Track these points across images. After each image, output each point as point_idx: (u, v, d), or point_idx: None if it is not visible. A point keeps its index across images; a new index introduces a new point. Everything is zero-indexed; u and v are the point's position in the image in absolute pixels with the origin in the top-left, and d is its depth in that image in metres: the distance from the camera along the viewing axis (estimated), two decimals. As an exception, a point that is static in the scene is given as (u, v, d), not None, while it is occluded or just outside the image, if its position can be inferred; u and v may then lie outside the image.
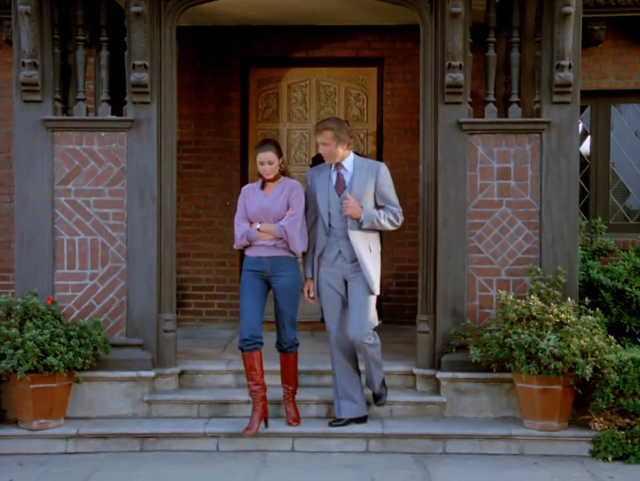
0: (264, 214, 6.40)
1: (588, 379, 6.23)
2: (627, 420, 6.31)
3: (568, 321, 6.39)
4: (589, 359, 6.22)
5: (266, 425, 6.38)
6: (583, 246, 8.12)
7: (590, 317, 6.50)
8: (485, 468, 6.07)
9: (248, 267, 6.42)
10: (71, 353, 6.42)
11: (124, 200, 6.90)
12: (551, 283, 6.68)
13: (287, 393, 6.56)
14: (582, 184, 9.22)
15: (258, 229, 6.37)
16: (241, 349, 6.30)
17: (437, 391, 6.88)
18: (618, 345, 6.50)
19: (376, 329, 6.44)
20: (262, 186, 6.50)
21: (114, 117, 6.96)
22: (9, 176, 8.43)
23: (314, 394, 6.83)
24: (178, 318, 7.44)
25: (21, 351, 6.27)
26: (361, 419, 6.53)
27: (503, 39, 7.41)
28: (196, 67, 9.55)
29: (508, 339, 6.38)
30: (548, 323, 6.39)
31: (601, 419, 6.34)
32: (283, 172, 6.52)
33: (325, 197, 6.39)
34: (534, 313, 6.44)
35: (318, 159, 9.43)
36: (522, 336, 6.29)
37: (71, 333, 6.54)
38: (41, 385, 6.40)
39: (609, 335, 6.58)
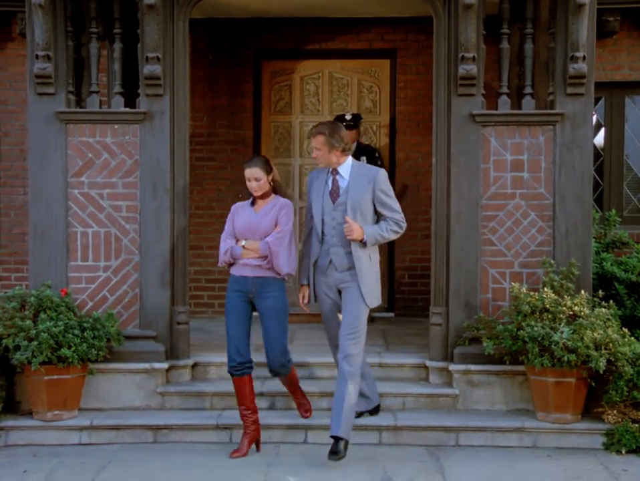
0: (251, 231, 6.14)
1: (601, 372, 6.21)
2: (641, 413, 6.30)
3: (582, 313, 6.37)
4: (603, 351, 6.20)
5: (258, 448, 6.20)
6: (597, 239, 8.09)
7: (603, 310, 6.48)
8: (498, 461, 6.06)
9: (232, 287, 6.17)
10: (84, 344, 6.44)
11: (137, 192, 6.91)
12: (564, 276, 6.66)
13: (297, 403, 6.56)
14: (596, 176, 9.18)
15: (243, 246, 6.13)
16: (230, 374, 6.11)
17: (449, 384, 6.88)
18: (632, 338, 6.47)
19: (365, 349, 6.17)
20: (253, 203, 6.27)
21: (127, 109, 6.97)
22: (23, 168, 8.46)
23: (327, 386, 6.82)
24: (191, 310, 7.46)
25: (35, 343, 6.30)
26: (375, 410, 6.53)
27: (517, 31, 7.37)
28: (208, 59, 9.56)
29: (521, 331, 6.37)
30: (561, 315, 6.37)
31: (615, 411, 6.32)
32: (275, 190, 6.26)
33: (320, 203, 6.15)
34: (547, 306, 6.43)
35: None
36: (535, 328, 6.28)
37: (85, 324, 6.56)
38: (55, 377, 6.43)
39: (623, 328, 6.56)
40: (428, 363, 6.99)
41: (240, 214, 6.24)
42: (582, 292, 6.60)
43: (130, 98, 7.01)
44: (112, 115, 6.97)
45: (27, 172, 7.23)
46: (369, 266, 6.04)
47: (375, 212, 6.09)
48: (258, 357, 7.01)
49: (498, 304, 6.86)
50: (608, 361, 6.22)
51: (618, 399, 6.26)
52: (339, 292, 6.14)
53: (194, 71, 8.97)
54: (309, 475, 5.72)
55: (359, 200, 6.02)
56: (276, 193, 6.26)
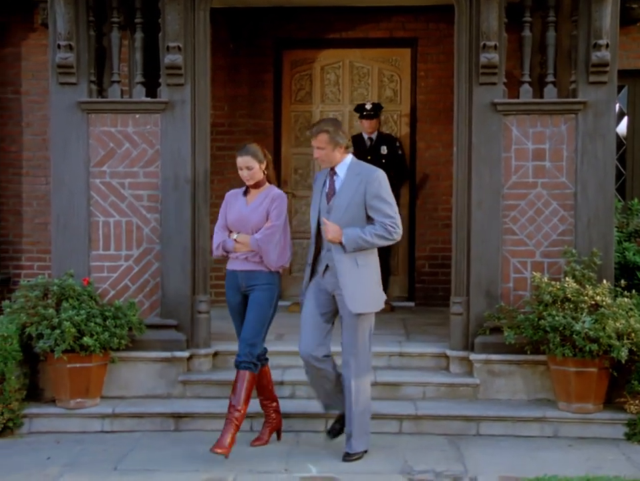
0: (243, 223, 5.95)
1: (623, 362, 6.19)
2: (663, 403, 6.27)
3: (604, 303, 6.34)
4: (625, 341, 6.18)
5: (278, 437, 6.20)
6: (619, 228, 8.03)
7: (626, 299, 6.45)
8: (519, 450, 6.05)
9: (227, 282, 6.05)
10: (106, 333, 6.49)
11: (158, 182, 6.94)
12: (586, 265, 6.63)
13: (265, 411, 6.21)
14: (619, 165, 9.11)
15: (235, 240, 5.95)
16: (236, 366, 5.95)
17: (470, 373, 6.87)
18: (655, 328, 6.44)
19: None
20: (245, 193, 6.08)
21: (148, 99, 6.99)
22: (45, 158, 8.51)
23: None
24: (212, 299, 7.48)
25: (57, 331, 6.35)
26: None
27: (539, 19, 7.31)
28: (229, 48, 9.55)
29: (543, 321, 6.35)
30: (583, 305, 6.35)
31: (637, 401, 6.29)
32: (269, 179, 6.06)
33: (317, 204, 5.84)
34: (568, 295, 6.40)
35: (352, 142, 9.43)
36: (557, 318, 6.26)
37: (107, 313, 6.60)
38: (78, 365, 6.48)
39: (645, 318, 6.53)
40: (449, 352, 6.98)
41: (232, 205, 6.05)
42: (604, 281, 6.56)
43: (151, 88, 7.03)
44: (133, 105, 6.99)
45: (50, 161, 7.27)
46: (355, 270, 5.63)
47: (367, 215, 5.69)
48: (277, 345, 7.05)
49: (519, 293, 6.84)
50: (630, 350, 6.20)
51: (640, 389, 6.24)
52: (334, 299, 5.80)
53: (215, 60, 8.98)
54: (330, 464, 5.74)
55: (347, 202, 5.67)
56: (270, 183, 6.08)
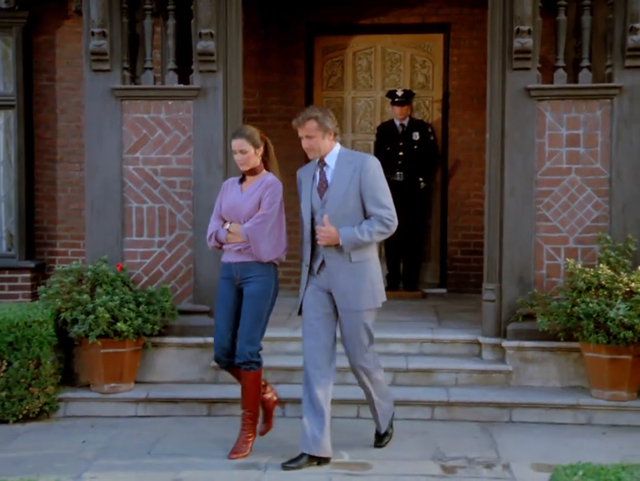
0: (236, 212, 5.63)
1: (658, 349, 6.14)
2: (699, 391, 6.21)
3: (639, 289, 6.28)
4: (660, 328, 6.12)
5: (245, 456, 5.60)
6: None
7: (661, 286, 6.39)
8: (552, 437, 6.02)
9: (221, 274, 5.75)
10: (140, 319, 6.53)
11: (191, 168, 6.96)
12: (621, 251, 6.56)
13: (243, 418, 5.73)
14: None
15: (227, 230, 5.65)
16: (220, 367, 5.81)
17: (502, 360, 6.84)
18: (690, 315, 6.37)
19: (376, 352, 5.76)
20: (241, 180, 5.76)
21: (181, 85, 7.02)
22: (79, 144, 8.56)
23: (380, 361, 6.83)
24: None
25: (92, 317, 6.41)
26: (321, 460, 5.48)
27: (573, 2, 7.23)
28: (260, 34, 9.55)
29: (576, 307, 6.30)
30: (617, 291, 6.29)
31: (671, 389, 6.25)
32: (268, 167, 5.74)
33: (308, 200, 5.46)
34: (602, 282, 6.35)
35: (383, 128, 9.43)
36: (591, 305, 6.21)
37: (140, 299, 6.65)
38: (112, 350, 6.54)
39: (681, 305, 6.46)
40: (481, 339, 6.96)
41: (227, 193, 5.75)
42: (639, 268, 6.50)
43: (184, 74, 7.06)
44: (166, 92, 7.02)
45: (83, 148, 7.33)
46: (349, 266, 5.34)
47: (363, 208, 5.38)
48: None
49: (552, 280, 6.79)
50: (666, 338, 6.15)
51: (675, 377, 6.19)
52: (331, 296, 5.47)
53: (246, 46, 8.95)
54: (362, 450, 5.75)
55: (342, 193, 5.32)
56: (269, 171, 5.75)
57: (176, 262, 7.00)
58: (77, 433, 6.16)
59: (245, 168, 5.65)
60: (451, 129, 9.56)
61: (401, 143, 9.29)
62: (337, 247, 5.30)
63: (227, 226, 5.65)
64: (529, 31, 6.60)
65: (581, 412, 6.37)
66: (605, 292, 6.32)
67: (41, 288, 6.82)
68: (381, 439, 5.83)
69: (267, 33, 9.56)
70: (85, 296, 6.53)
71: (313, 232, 5.43)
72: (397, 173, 9.29)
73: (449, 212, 9.62)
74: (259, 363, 5.66)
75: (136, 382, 6.79)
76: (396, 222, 5.37)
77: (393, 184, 9.20)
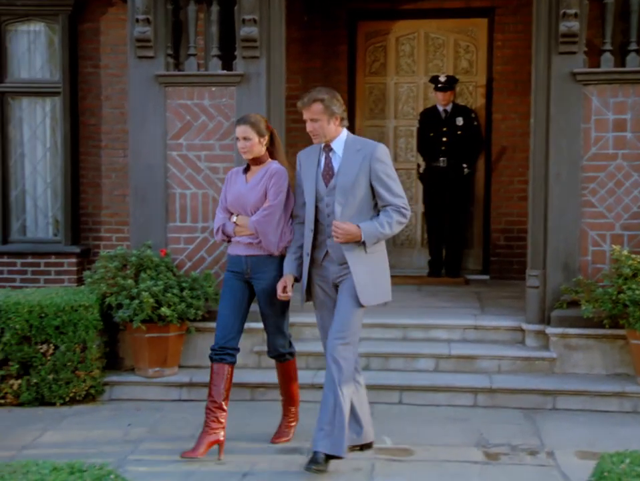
0: (241, 204, 5.42)
1: None
2: None
3: (686, 277, 6.20)
4: None
5: (220, 455, 5.35)
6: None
7: None
8: (596, 425, 5.98)
9: (229, 267, 5.54)
10: (183, 304, 6.58)
11: (234, 154, 6.98)
12: (668, 238, 6.48)
13: (283, 404, 5.77)
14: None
15: (234, 222, 5.46)
16: (210, 358, 5.46)
17: (546, 347, 6.79)
18: None
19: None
20: (246, 170, 5.54)
21: (224, 72, 7.03)
22: (123, 131, 8.63)
23: (422, 347, 6.83)
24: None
25: (136, 301, 6.47)
26: (367, 446, 5.44)
27: (621, -15, 7.14)
28: (303, 21, 9.53)
29: (622, 294, 6.23)
30: (664, 278, 6.21)
31: None
32: (272, 155, 5.51)
33: (312, 187, 5.14)
34: (649, 269, 6.28)
35: (426, 114, 9.38)
36: (637, 292, 6.14)
37: (184, 284, 6.70)
38: (156, 335, 6.60)
39: None
40: (524, 325, 6.91)
41: (232, 183, 5.54)
42: (687, 255, 6.42)
43: (227, 61, 7.07)
44: (209, 78, 7.04)
45: (127, 134, 7.38)
46: (366, 258, 5.06)
47: (373, 196, 5.08)
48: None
49: (597, 267, 6.72)
50: None
51: None
52: (336, 287, 5.20)
53: (289, 32, 8.91)
54: (404, 436, 5.75)
55: (351, 182, 5.01)
56: (273, 158, 5.52)
57: (219, 247, 7.03)
58: (123, 417, 6.24)
59: (248, 157, 5.43)
60: (494, 115, 9.48)
61: (444, 129, 9.24)
62: (357, 243, 5.00)
63: (234, 218, 5.46)
64: (575, 15, 6.52)
65: (627, 400, 6.30)
66: (652, 279, 6.25)
67: (87, 273, 6.91)
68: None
69: (310, 20, 9.55)
70: (130, 281, 6.60)
71: (316, 221, 5.16)
72: (440, 159, 9.25)
73: (492, 198, 9.55)
74: (292, 353, 5.64)
75: (180, 366, 6.86)
76: (409, 211, 5.09)
77: (436, 170, 9.30)
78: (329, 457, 4.97)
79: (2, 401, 6.48)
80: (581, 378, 6.57)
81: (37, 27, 8.79)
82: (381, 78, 9.76)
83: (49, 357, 6.43)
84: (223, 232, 5.50)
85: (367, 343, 6.85)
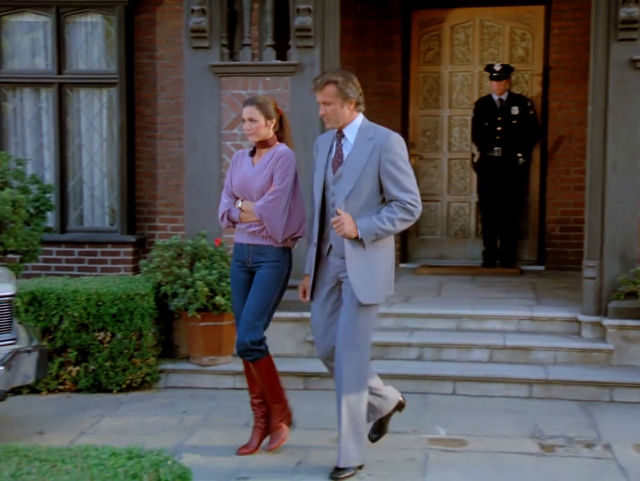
0: (247, 188, 5.14)
1: None
2: None
3: None
4: None
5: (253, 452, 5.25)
6: None
7: None
8: (655, 418, 5.90)
9: (234, 255, 5.30)
10: (239, 293, 6.62)
11: (287, 144, 6.99)
12: None
13: (273, 412, 5.31)
14: None
15: (239, 208, 5.18)
16: (239, 354, 5.23)
17: (603, 339, 6.70)
18: None
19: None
20: (253, 153, 5.27)
21: (278, 61, 7.04)
22: (179, 121, 8.69)
23: (476, 338, 6.79)
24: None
25: (191, 290, 6.53)
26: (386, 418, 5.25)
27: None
28: (357, 11, 9.49)
29: (682, 286, 6.13)
30: None
31: None
32: (281, 140, 5.23)
33: (322, 173, 4.88)
34: None
35: (481, 103, 9.30)
36: (697, 283, 6.03)
37: (238, 273, 6.73)
38: (210, 323, 6.65)
39: None
40: (581, 317, 6.82)
41: (238, 166, 5.27)
42: None
43: (281, 50, 7.08)
44: (264, 68, 7.06)
45: (182, 125, 7.44)
46: (365, 254, 4.73)
47: (382, 190, 4.75)
48: (405, 307, 7.05)
49: (656, 258, 6.62)
50: None
51: None
52: (339, 283, 4.93)
53: (343, 23, 8.85)
54: (458, 426, 5.73)
55: (358, 172, 4.71)
56: (280, 142, 5.25)
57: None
58: (178, 404, 6.31)
59: (254, 139, 5.16)
60: (551, 104, 9.35)
61: (499, 118, 9.15)
62: (357, 240, 4.69)
63: (239, 204, 5.19)
64: (636, 0, 6.40)
65: (686, 393, 6.21)
66: None
67: (143, 261, 6.99)
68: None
69: (363, 10, 9.50)
70: (185, 270, 6.66)
71: (323, 210, 4.92)
72: (495, 149, 9.17)
73: (548, 187, 9.43)
74: (263, 351, 5.13)
75: (234, 355, 6.90)
76: (420, 208, 4.71)
77: (490, 160, 9.22)
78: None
79: (61, 387, 6.60)
80: (639, 370, 6.47)
81: (95, 18, 8.89)
82: (436, 67, 9.69)
83: (106, 345, 6.52)
84: (228, 218, 5.23)
85: (420, 333, 6.83)
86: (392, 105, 9.51)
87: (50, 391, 6.58)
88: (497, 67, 9.05)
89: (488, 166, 9.25)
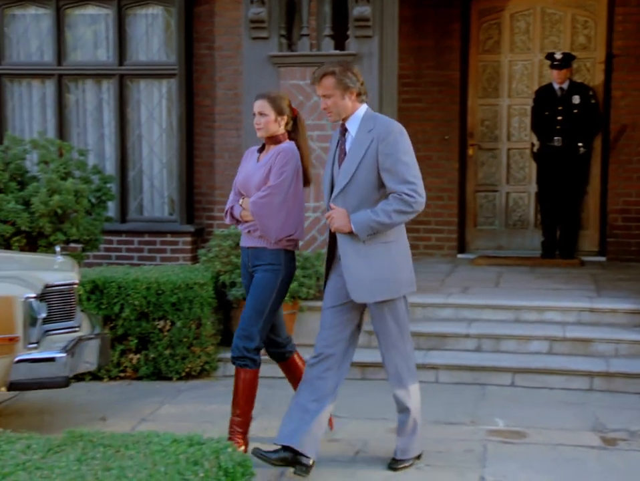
0: (248, 185, 4.96)
1: None
2: None
3: None
4: None
5: (331, 428, 5.29)
6: None
7: None
8: None
9: (241, 260, 5.18)
10: (295, 283, 6.62)
11: (346, 134, 6.99)
12: None
13: (230, 423, 5.06)
14: None
15: (240, 205, 4.98)
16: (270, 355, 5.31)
17: (667, 332, 6.60)
18: None
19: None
20: (261, 149, 5.09)
21: (337, 51, 7.04)
22: (237, 112, 8.74)
23: (535, 330, 6.73)
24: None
25: (249, 280, 6.57)
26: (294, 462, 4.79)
27: None
28: (415, 0, 9.43)
29: None
30: None
31: None
32: (292, 137, 5.00)
33: (329, 170, 4.70)
34: None
35: (541, 92, 9.17)
36: None
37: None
38: (268, 313, 6.68)
39: None
40: (643, 309, 6.73)
41: (246, 162, 5.11)
42: None
43: (339, 40, 7.07)
44: (322, 58, 7.01)
45: (241, 115, 7.48)
46: (361, 250, 4.54)
47: (383, 184, 4.52)
48: (462, 298, 7.01)
49: None
50: None
51: None
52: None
53: (401, 12, 8.83)
54: (517, 417, 5.68)
55: (354, 165, 4.51)
56: (291, 140, 5.02)
57: (331, 227, 7.05)
58: (236, 392, 6.36)
59: (262, 134, 4.95)
60: (614, 92, 9.18)
61: (560, 108, 9.02)
62: (352, 235, 4.52)
63: (241, 201, 5.00)
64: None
65: None
66: None
67: (201, 251, 7.05)
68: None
69: (422, -1, 9.45)
70: (243, 259, 6.69)
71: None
72: (555, 138, 9.06)
73: (609, 178, 9.28)
74: (255, 361, 4.95)
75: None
76: (422, 200, 4.48)
77: (550, 150, 9.11)
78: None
79: (122, 374, 6.71)
80: (703, 364, 6.36)
81: (155, 10, 8.98)
82: (495, 56, 9.59)
83: (165, 333, 6.60)
84: (231, 215, 5.08)
85: (477, 324, 6.79)
86: (450, 95, 9.43)
87: (111, 378, 6.69)
88: (558, 56, 8.92)
89: (547, 155, 9.14)
